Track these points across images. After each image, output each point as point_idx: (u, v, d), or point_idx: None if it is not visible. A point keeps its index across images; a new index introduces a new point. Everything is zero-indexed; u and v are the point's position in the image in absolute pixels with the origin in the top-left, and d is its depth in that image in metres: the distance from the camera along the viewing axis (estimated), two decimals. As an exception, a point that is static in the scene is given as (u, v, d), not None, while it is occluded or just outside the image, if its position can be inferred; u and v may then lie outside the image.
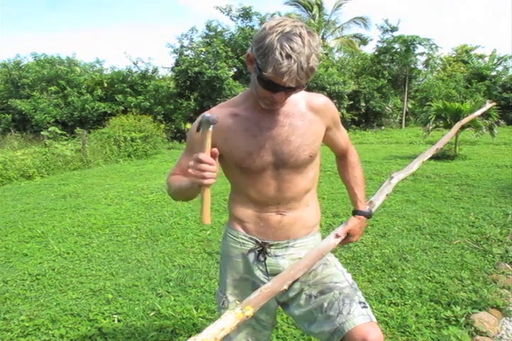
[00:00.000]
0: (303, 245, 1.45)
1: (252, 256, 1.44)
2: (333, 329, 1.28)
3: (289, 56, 1.05)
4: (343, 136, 1.52)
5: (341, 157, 1.60)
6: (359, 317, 1.26)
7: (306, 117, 1.33)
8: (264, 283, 1.35)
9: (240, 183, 1.41)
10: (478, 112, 2.96)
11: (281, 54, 1.05)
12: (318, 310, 1.35)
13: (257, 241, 1.43)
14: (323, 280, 1.39)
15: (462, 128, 8.79)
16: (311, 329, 1.36)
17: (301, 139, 1.31)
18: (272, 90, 1.16)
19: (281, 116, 1.30)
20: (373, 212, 1.57)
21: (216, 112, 1.30)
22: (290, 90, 1.16)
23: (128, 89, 17.34)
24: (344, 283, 1.38)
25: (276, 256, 1.42)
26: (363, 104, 18.65)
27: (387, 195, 1.64)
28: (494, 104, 3.26)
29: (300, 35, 1.07)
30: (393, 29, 19.46)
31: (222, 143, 1.31)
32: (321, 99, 1.37)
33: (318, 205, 1.52)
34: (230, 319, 0.98)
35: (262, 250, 1.42)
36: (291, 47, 1.05)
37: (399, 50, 19.14)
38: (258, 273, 1.43)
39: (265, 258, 1.42)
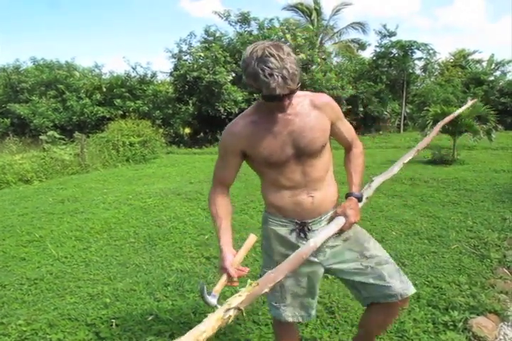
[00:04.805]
0: (331, 217, 1.69)
1: (294, 235, 1.69)
2: (393, 293, 1.66)
3: (271, 74, 1.33)
4: (347, 130, 1.75)
5: (348, 149, 1.82)
6: (412, 285, 1.72)
7: (311, 114, 1.58)
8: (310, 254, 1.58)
9: (271, 175, 1.66)
10: (459, 111, 2.99)
11: (265, 76, 1.33)
12: (378, 278, 1.67)
13: (296, 222, 1.67)
14: (377, 254, 1.72)
15: (460, 132, 8.86)
16: (368, 291, 1.72)
17: (311, 133, 1.57)
18: (275, 100, 1.42)
19: (291, 116, 1.56)
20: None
21: (238, 122, 1.62)
22: (288, 96, 1.41)
23: (126, 94, 17.32)
24: (390, 259, 1.75)
25: (313, 230, 1.67)
26: (361, 108, 18.68)
27: (367, 198, 1.81)
28: (475, 100, 3.31)
29: (271, 55, 1.33)
30: (391, 34, 19.52)
31: (249, 148, 1.60)
32: (323, 98, 1.63)
33: (335, 182, 1.76)
34: (211, 322, 1.04)
35: (302, 229, 1.67)
36: (269, 67, 1.32)
37: (397, 54, 19.18)
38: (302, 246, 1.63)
39: (305, 235, 1.67)
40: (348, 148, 1.81)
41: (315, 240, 1.49)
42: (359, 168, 1.77)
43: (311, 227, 1.67)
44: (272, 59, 1.32)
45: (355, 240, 1.72)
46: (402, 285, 1.68)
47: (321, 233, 1.55)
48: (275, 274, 1.29)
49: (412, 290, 1.70)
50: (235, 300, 1.11)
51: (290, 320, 1.78)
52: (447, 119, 2.75)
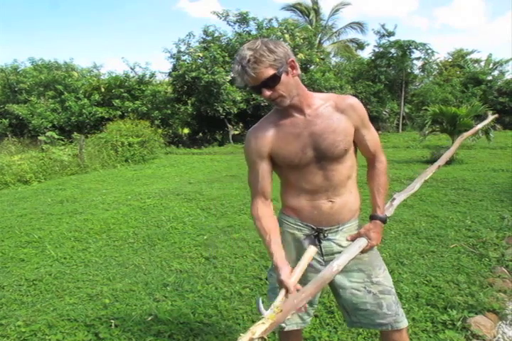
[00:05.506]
0: (348, 229, 1.66)
1: (307, 241, 1.64)
2: (385, 322, 1.63)
3: (237, 63, 1.38)
4: (371, 139, 1.65)
5: (371, 163, 1.71)
6: (405, 319, 1.67)
7: (333, 116, 1.53)
8: (319, 262, 1.63)
9: (292, 177, 1.61)
10: (480, 126, 2.95)
11: (233, 68, 1.42)
12: (375, 306, 1.64)
13: (312, 228, 1.63)
14: (384, 283, 1.66)
15: (459, 132, 8.85)
16: (358, 317, 1.68)
17: (333, 136, 1.51)
18: (256, 92, 1.45)
19: (312, 117, 1.53)
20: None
21: (260, 126, 1.60)
22: (266, 86, 1.41)
23: (125, 94, 17.35)
24: (393, 289, 1.69)
25: (328, 239, 1.64)
26: (359, 108, 18.73)
27: (389, 218, 1.72)
28: (496, 116, 3.25)
29: (242, 49, 1.39)
30: (390, 34, 19.55)
31: (273, 149, 1.56)
32: (347, 101, 1.56)
33: (358, 192, 1.69)
34: None
35: (317, 235, 1.63)
36: (239, 58, 1.38)
37: (395, 54, 19.21)
38: (315, 254, 1.61)
39: (320, 242, 1.63)
40: (370, 159, 1.70)
41: (338, 264, 1.44)
42: (383, 188, 1.68)
43: (327, 235, 1.63)
44: (242, 52, 1.38)
45: (369, 263, 1.67)
46: (396, 317, 1.64)
47: (344, 255, 1.50)
48: (297, 301, 1.25)
49: (404, 324, 1.66)
50: (259, 329, 1.09)
51: (285, 329, 1.72)
52: (467, 134, 2.75)
